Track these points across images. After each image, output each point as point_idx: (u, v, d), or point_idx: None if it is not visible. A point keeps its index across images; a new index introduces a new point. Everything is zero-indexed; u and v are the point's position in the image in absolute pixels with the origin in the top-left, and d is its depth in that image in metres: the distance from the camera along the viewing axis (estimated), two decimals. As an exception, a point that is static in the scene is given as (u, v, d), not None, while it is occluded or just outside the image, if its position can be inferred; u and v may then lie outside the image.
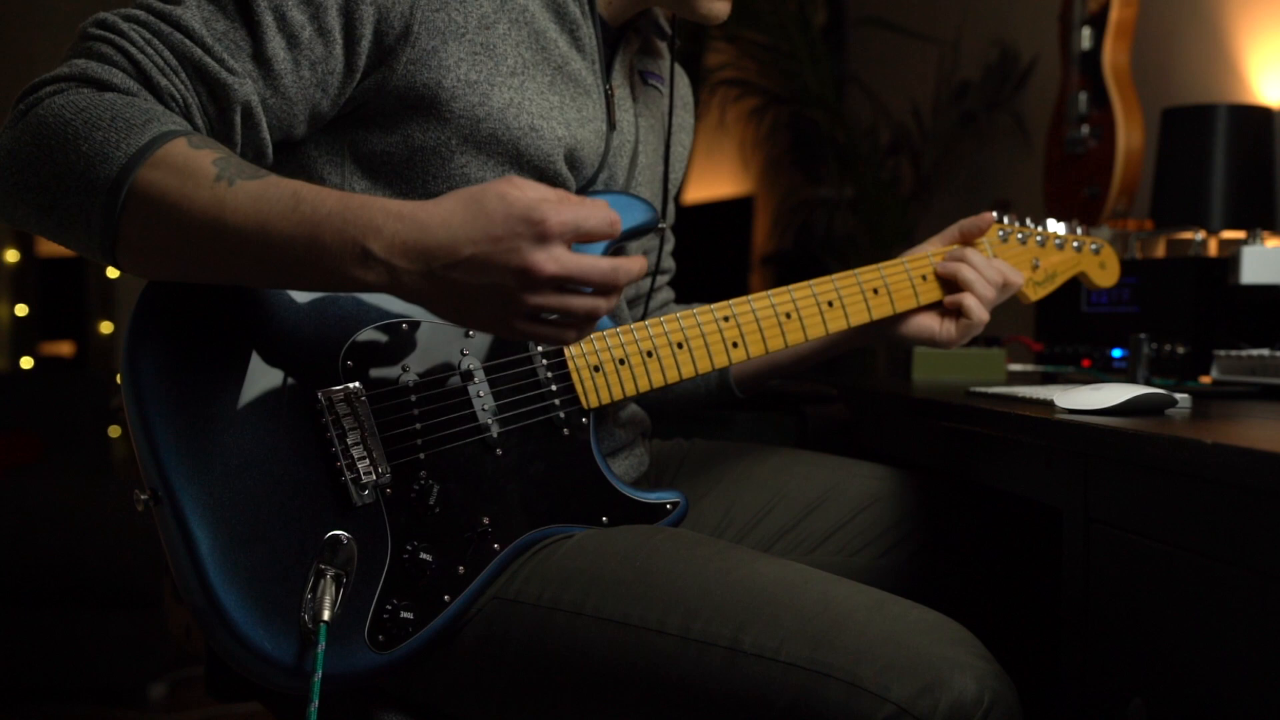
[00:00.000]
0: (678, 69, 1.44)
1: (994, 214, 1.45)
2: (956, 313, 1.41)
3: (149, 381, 1.06)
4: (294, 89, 1.08)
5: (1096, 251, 1.55)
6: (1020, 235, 1.49)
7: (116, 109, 0.99)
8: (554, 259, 0.96)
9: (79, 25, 1.06)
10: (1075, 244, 1.54)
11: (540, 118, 1.18)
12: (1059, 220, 1.54)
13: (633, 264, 1.01)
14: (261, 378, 1.08)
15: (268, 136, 1.09)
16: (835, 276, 1.35)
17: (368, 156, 1.15)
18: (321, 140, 1.15)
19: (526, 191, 0.97)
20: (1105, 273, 1.57)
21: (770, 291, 1.31)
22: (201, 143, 1.00)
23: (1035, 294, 1.50)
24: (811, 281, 1.34)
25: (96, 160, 0.97)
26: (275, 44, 1.06)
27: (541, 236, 0.96)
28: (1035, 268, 1.50)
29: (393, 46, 1.11)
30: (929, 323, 1.42)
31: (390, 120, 1.14)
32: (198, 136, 1.01)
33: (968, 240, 1.44)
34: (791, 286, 1.32)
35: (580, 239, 0.98)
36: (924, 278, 1.41)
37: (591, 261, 0.98)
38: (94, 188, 0.98)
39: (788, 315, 1.31)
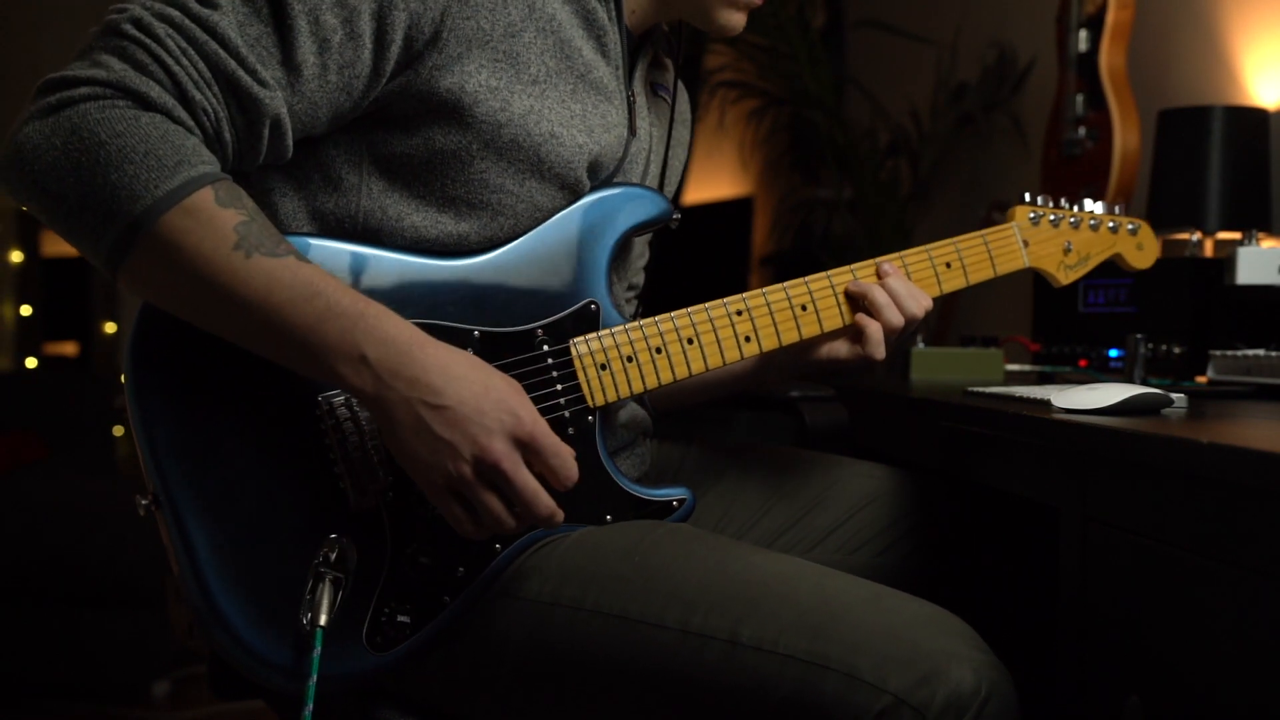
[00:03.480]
0: (679, 86, 1.44)
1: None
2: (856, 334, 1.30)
3: (151, 387, 1.07)
4: (319, 94, 1.08)
5: (1134, 232, 1.47)
6: (1052, 217, 1.41)
7: (151, 142, 0.99)
8: (511, 459, 1.03)
9: (107, 13, 1.04)
10: (1111, 224, 1.45)
11: (560, 125, 1.17)
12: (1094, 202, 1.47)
13: (558, 514, 1.07)
14: (262, 383, 1.09)
15: (291, 142, 1.09)
16: (854, 266, 1.31)
17: (387, 158, 1.14)
18: (340, 140, 1.14)
19: (529, 403, 1.06)
20: (1143, 254, 1.48)
21: (786, 284, 1.27)
22: (228, 198, 1.02)
23: (1067, 278, 1.43)
24: (828, 272, 1.29)
25: (123, 194, 0.98)
26: (306, 49, 1.05)
27: (515, 437, 1.04)
28: (1067, 251, 1.42)
29: (421, 51, 1.10)
30: (836, 347, 1.32)
31: (412, 123, 1.13)
32: (225, 187, 1.02)
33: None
34: (807, 278, 1.28)
35: (539, 464, 1.05)
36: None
37: (535, 489, 1.05)
38: (113, 219, 0.99)
39: (803, 307, 1.28)
